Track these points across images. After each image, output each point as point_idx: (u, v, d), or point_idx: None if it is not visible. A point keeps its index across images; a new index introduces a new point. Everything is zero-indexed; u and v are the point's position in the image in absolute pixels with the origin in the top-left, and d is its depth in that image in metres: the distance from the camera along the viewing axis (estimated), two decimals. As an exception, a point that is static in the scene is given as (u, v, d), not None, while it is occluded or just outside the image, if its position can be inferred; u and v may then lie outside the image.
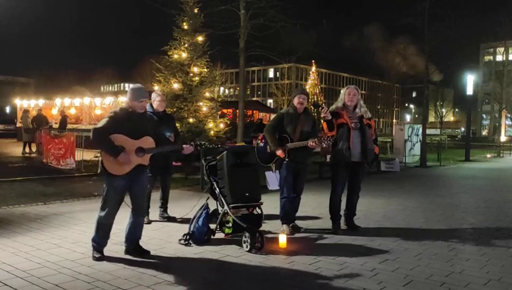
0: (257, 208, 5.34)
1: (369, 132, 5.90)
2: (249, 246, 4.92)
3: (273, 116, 10.45)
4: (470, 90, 23.02)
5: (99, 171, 4.73)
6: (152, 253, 4.81)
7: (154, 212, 6.57)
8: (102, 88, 69.06)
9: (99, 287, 3.83)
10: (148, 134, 4.74)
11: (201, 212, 5.34)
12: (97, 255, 4.59)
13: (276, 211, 6.23)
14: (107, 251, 4.73)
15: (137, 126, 4.67)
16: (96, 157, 4.69)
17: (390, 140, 21.05)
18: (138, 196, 4.80)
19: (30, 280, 3.97)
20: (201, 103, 13.17)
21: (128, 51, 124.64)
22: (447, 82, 63.10)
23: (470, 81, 22.82)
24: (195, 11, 13.42)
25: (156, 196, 6.71)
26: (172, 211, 6.73)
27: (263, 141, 6.08)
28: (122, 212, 4.91)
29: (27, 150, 17.51)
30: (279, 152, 5.75)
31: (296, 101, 5.93)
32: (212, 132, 13.17)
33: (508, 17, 35.00)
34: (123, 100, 21.74)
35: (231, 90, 68.05)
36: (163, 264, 4.54)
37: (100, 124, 4.54)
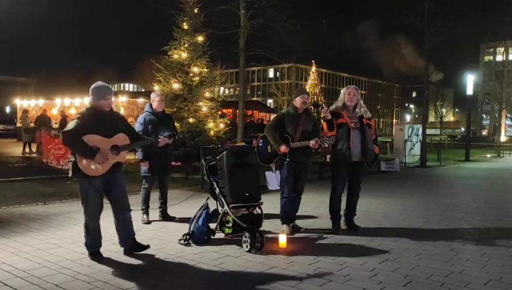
0: (257, 208, 5.34)
1: (369, 131, 5.90)
2: (249, 246, 4.92)
3: (273, 116, 10.45)
4: (470, 90, 23.02)
5: (70, 174, 4.63)
6: (152, 253, 4.80)
7: (154, 212, 6.56)
8: (102, 88, 68.90)
9: (99, 287, 3.83)
10: (120, 131, 4.69)
11: (201, 212, 5.34)
12: (94, 257, 4.57)
13: (276, 211, 6.23)
14: (107, 251, 4.74)
15: (108, 124, 4.61)
16: (70, 161, 4.59)
17: (390, 140, 21.04)
18: (120, 196, 4.73)
19: (30, 280, 3.97)
20: (201, 103, 13.17)
21: (128, 51, 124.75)
22: (447, 82, 63.17)
23: (470, 81, 22.82)
24: (195, 11, 13.41)
25: (154, 196, 6.70)
26: (172, 211, 6.73)
27: (262, 141, 6.07)
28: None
29: (27, 150, 17.51)
30: (283, 148, 5.72)
31: (299, 101, 5.91)
32: (212, 132, 13.17)
33: (508, 17, 34.97)
34: (123, 100, 21.76)
35: (231, 90, 68.04)
36: (163, 264, 4.54)
37: (69, 126, 4.45)
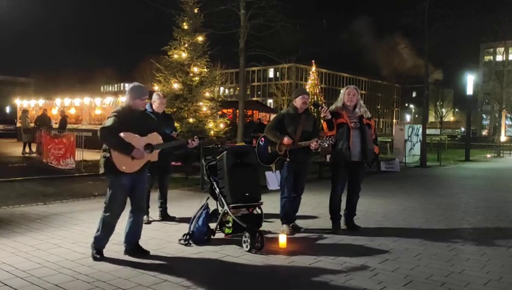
0: (257, 208, 5.34)
1: (368, 131, 5.90)
2: (249, 246, 4.92)
3: (273, 116, 10.45)
4: (470, 90, 23.04)
5: (101, 172, 4.69)
6: (152, 253, 4.81)
7: (154, 212, 6.56)
8: (102, 88, 69.07)
9: (99, 287, 3.83)
10: (154, 130, 4.77)
11: (201, 212, 5.34)
12: (97, 256, 4.58)
13: (276, 211, 6.23)
14: (107, 251, 4.73)
15: (142, 123, 4.70)
16: (105, 157, 4.61)
17: (390, 140, 21.05)
18: (140, 195, 4.82)
19: (30, 280, 3.97)
20: (201, 103, 13.18)
21: (128, 51, 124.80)
22: (447, 82, 63.18)
23: (470, 81, 22.84)
24: (195, 11, 13.43)
25: (154, 196, 6.70)
26: (172, 211, 6.73)
27: (262, 141, 6.07)
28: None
29: (27, 150, 17.50)
30: (285, 139, 5.69)
31: (299, 101, 5.91)
32: (212, 132, 13.17)
33: (508, 17, 34.97)
34: (123, 100, 21.75)
35: (231, 90, 68.02)
36: (163, 264, 4.54)
37: (108, 123, 4.50)
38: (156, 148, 4.73)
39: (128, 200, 4.78)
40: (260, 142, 6.11)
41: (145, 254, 4.75)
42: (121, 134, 4.48)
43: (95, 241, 4.67)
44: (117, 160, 4.51)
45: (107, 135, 4.47)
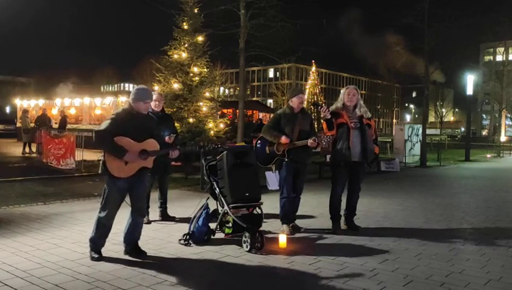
0: (257, 208, 5.34)
1: (369, 131, 5.90)
2: (249, 246, 4.92)
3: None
4: (470, 90, 23.03)
5: (100, 171, 4.71)
6: (152, 253, 4.81)
7: (154, 212, 6.57)
8: (102, 88, 69.02)
9: (99, 287, 3.83)
10: (152, 136, 4.73)
11: (201, 212, 5.35)
12: (95, 256, 4.58)
13: (276, 211, 6.23)
14: (107, 251, 4.74)
15: (141, 128, 4.64)
16: (99, 160, 4.65)
17: (390, 140, 21.05)
18: (140, 198, 4.79)
19: (30, 280, 3.97)
20: (201, 103, 13.19)
21: (128, 51, 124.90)
22: (447, 82, 63.30)
23: (470, 81, 22.83)
24: (195, 11, 13.43)
25: (154, 196, 6.70)
26: (172, 211, 6.73)
27: (260, 142, 6.07)
28: (121, 213, 4.90)
29: (27, 150, 17.51)
30: (283, 138, 5.70)
31: (297, 101, 5.92)
32: (212, 132, 13.18)
33: (508, 17, 35.01)
34: (123, 100, 21.73)
35: (231, 90, 68.01)
36: (164, 264, 4.54)
37: (103, 126, 4.50)
38: (151, 154, 4.68)
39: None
40: (257, 144, 6.10)
41: (141, 254, 4.73)
42: (117, 138, 4.44)
43: (91, 242, 4.66)
44: (110, 164, 4.50)
45: (100, 138, 4.48)
